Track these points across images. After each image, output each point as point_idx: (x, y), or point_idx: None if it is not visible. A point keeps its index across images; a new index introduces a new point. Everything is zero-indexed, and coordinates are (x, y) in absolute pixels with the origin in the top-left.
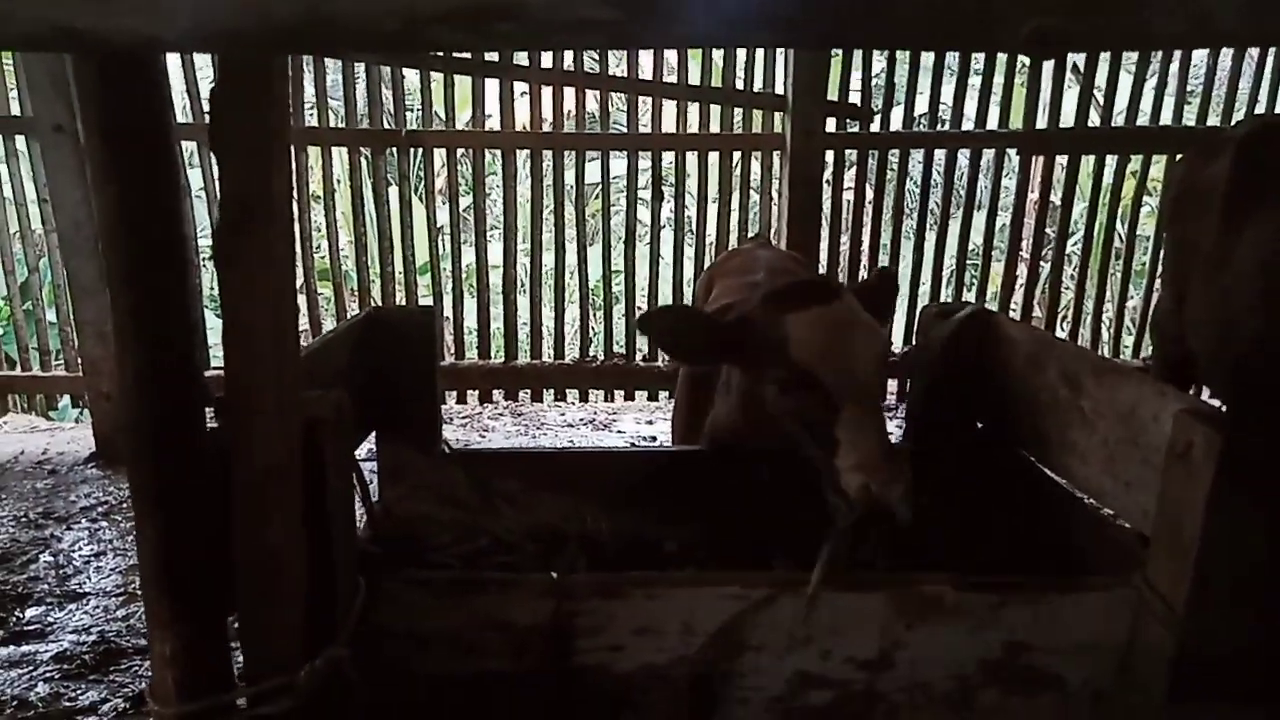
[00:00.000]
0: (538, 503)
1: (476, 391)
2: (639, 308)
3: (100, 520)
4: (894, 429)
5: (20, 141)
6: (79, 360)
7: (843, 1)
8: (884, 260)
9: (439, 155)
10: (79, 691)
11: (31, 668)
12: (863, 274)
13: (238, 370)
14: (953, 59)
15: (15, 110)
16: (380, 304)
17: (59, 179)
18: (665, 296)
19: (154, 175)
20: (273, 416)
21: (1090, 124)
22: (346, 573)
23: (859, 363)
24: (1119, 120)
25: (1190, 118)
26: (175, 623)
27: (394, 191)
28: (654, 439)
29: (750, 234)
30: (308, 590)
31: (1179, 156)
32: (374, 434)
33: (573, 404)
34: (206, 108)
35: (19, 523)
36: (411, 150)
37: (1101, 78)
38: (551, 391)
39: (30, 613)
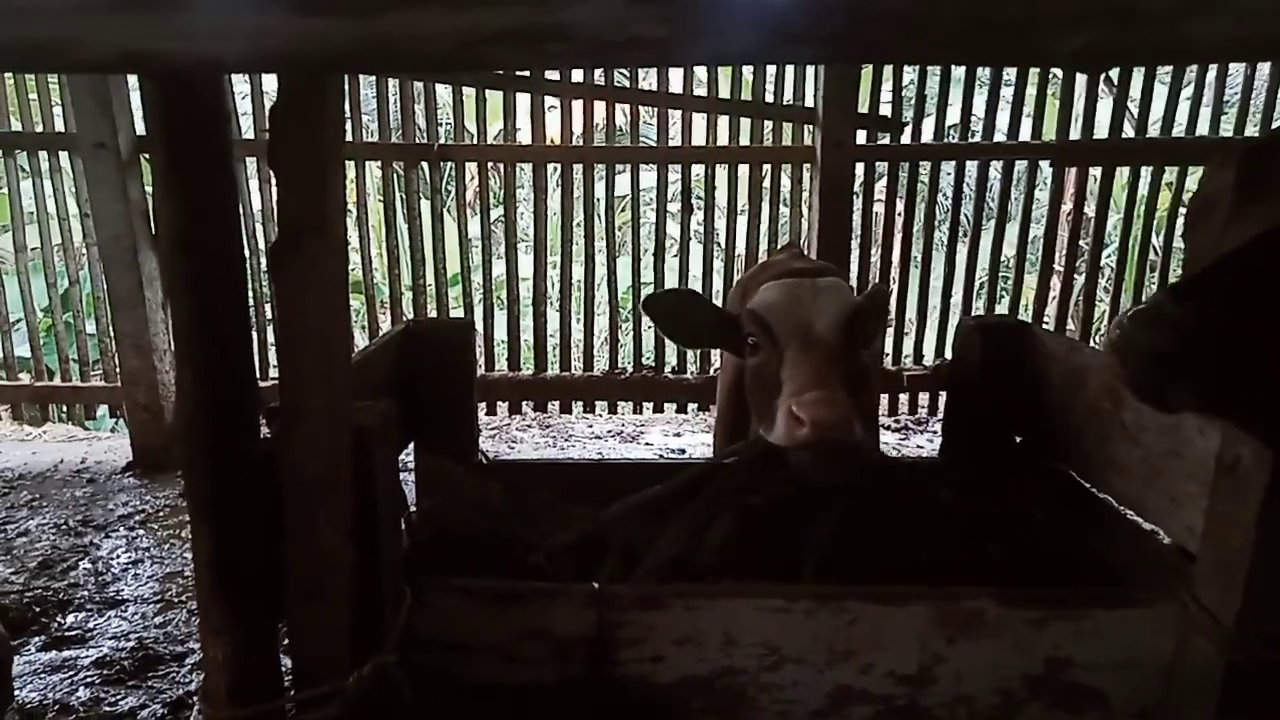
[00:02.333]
0: (574, 513)
1: (506, 403)
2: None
3: (138, 528)
4: (926, 441)
5: (64, 157)
6: (117, 371)
7: (887, 17)
8: (915, 273)
9: (470, 169)
10: (119, 697)
11: (73, 673)
12: (893, 286)
13: (290, 380)
14: (985, 70)
15: (60, 127)
16: (411, 316)
17: (100, 194)
18: None
19: (214, 189)
20: (323, 425)
21: (1125, 135)
22: (393, 580)
23: (812, 315)
24: (1154, 131)
25: (1228, 128)
26: (228, 628)
27: (426, 205)
28: (682, 451)
29: (780, 246)
30: (355, 597)
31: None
32: (411, 444)
33: (600, 416)
34: (243, 124)
35: (59, 530)
36: (443, 164)
37: (1136, 88)
38: (580, 403)
39: (71, 619)
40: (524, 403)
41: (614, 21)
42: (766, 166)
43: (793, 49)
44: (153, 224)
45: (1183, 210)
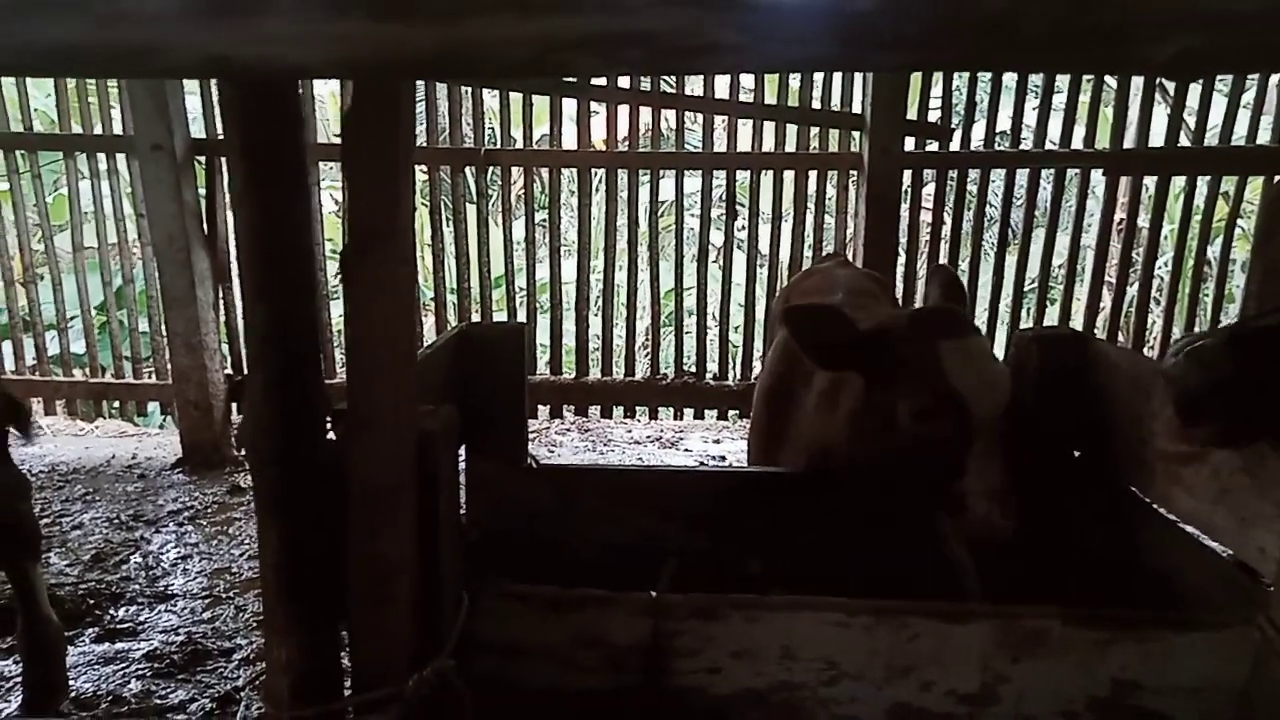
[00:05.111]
0: (624, 520)
1: (547, 406)
2: (709, 326)
3: (186, 524)
4: None
5: (121, 159)
6: (169, 368)
7: (971, 23)
8: (962, 282)
9: (515, 173)
10: (169, 690)
11: (124, 665)
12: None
13: (359, 385)
14: (1036, 76)
15: (118, 130)
16: (456, 319)
17: (155, 194)
18: (736, 315)
19: (290, 193)
20: (389, 430)
21: (1181, 144)
22: (453, 585)
23: (1000, 398)
24: (1212, 139)
25: None
26: (292, 630)
27: (471, 209)
28: (722, 458)
29: (824, 253)
30: (416, 601)
31: (1278, 178)
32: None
33: (640, 421)
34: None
35: (111, 524)
36: (489, 168)
37: (1193, 97)
38: (620, 408)
39: (123, 612)
40: (564, 406)
41: (692, 28)
42: (812, 173)
43: (876, 55)
44: (204, 224)
45: (1241, 222)
